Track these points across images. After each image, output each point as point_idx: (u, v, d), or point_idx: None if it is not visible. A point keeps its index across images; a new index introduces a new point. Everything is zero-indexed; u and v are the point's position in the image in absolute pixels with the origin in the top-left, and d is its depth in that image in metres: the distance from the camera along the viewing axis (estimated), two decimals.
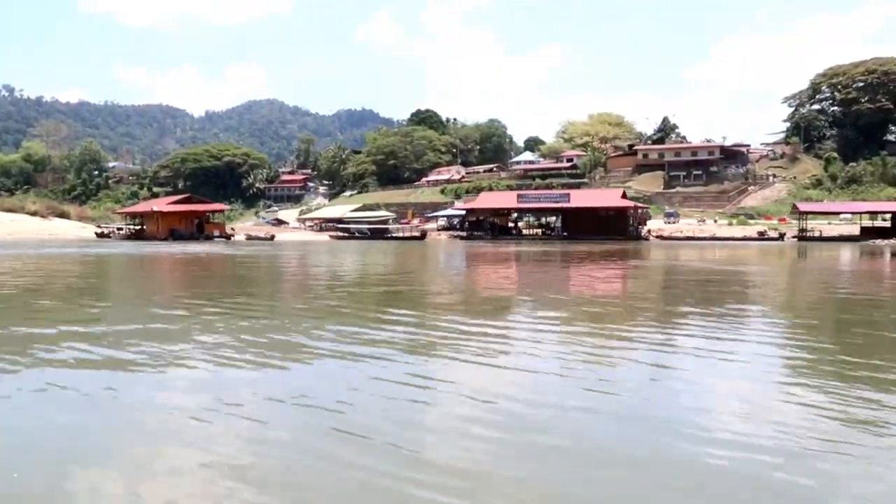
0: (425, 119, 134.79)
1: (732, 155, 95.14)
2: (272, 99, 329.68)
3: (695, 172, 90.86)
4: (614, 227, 54.01)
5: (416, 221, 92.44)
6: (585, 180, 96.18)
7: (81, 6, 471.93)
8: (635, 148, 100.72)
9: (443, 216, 78.55)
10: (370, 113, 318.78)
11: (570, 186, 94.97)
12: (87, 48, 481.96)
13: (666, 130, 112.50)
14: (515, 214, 63.07)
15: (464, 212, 71.91)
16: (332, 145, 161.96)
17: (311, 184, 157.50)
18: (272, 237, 61.67)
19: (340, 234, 65.99)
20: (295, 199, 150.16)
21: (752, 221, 73.67)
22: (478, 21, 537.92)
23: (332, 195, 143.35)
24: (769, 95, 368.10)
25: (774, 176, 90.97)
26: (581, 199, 58.00)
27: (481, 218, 63.75)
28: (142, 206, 71.35)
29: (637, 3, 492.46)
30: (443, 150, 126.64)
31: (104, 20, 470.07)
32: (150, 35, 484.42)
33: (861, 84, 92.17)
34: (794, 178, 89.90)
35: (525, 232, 61.61)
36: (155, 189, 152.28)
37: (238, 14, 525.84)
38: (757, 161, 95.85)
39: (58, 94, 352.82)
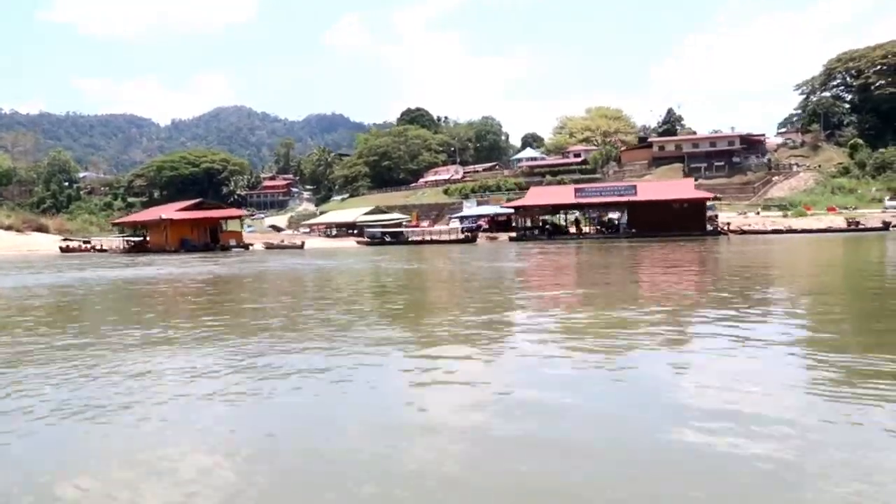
0: (416, 118, 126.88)
1: (753, 144, 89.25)
2: (240, 105, 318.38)
3: (716, 164, 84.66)
4: (689, 222, 46.94)
5: (425, 224, 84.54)
6: (598, 175, 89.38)
7: (41, 16, 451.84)
8: (650, 140, 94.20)
9: (466, 216, 70.78)
10: (340, 117, 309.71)
11: (583, 181, 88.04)
12: (47, 59, 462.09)
13: (672, 122, 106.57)
14: (563, 213, 55.70)
15: (498, 211, 64.35)
16: (314, 149, 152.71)
17: (294, 189, 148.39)
18: (302, 244, 53.16)
19: (369, 239, 57.68)
20: (279, 206, 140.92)
21: (784, 211, 67.65)
22: (445, 24, 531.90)
23: (319, 200, 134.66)
24: (735, 91, 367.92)
25: (798, 165, 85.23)
26: (649, 191, 50.83)
27: (534, 216, 56.20)
28: (145, 214, 61.37)
29: (600, 5, 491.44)
30: (438, 149, 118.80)
31: (65, 30, 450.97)
32: (113, 45, 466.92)
33: (881, 68, 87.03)
34: (819, 166, 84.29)
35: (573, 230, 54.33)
36: (130, 199, 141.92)
37: (203, 23, 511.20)
38: (776, 150, 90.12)
39: (17, 107, 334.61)
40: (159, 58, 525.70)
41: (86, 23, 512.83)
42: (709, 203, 51.12)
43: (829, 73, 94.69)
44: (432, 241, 53.28)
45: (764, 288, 13.47)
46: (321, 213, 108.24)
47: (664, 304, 10.65)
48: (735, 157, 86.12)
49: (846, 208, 67.63)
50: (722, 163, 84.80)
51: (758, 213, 68.73)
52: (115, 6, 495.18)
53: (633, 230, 48.03)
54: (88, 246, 55.47)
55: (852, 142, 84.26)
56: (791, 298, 11.59)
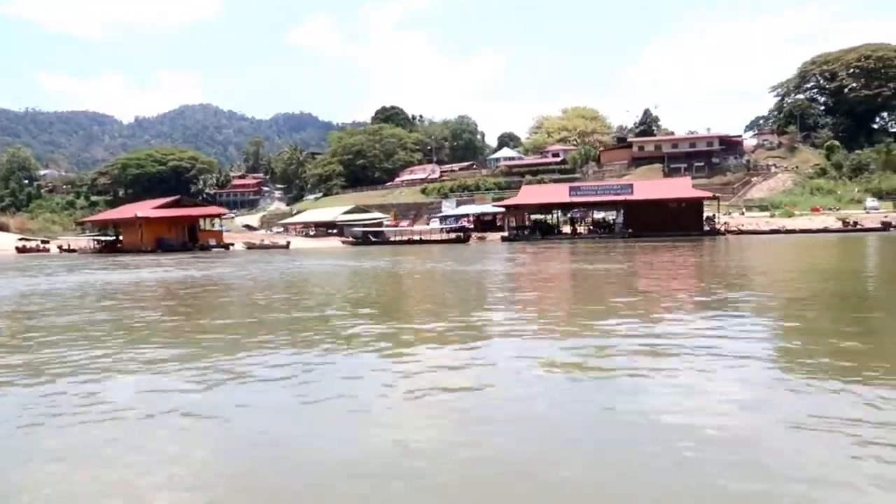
0: (391, 117, 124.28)
1: (731, 145, 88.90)
2: (206, 104, 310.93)
3: (696, 164, 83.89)
4: (687, 222, 45.57)
5: (405, 223, 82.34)
6: (578, 175, 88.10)
7: None
8: (629, 140, 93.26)
9: (449, 216, 68.71)
10: (309, 116, 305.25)
11: (562, 181, 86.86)
12: (5, 54, 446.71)
13: (648, 123, 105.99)
14: (550, 212, 53.93)
15: (484, 210, 62.40)
16: (286, 147, 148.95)
17: (265, 188, 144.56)
18: (287, 244, 50.44)
19: (353, 239, 55.16)
20: (249, 205, 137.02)
21: (770, 211, 67.12)
22: (413, 25, 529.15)
23: (291, 199, 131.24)
24: (702, 93, 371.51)
25: (776, 166, 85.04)
26: (646, 190, 49.30)
27: (521, 217, 54.28)
28: (118, 212, 57.52)
29: (568, 7, 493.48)
30: (413, 148, 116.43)
31: (24, 26, 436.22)
32: (73, 42, 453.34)
33: (855, 71, 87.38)
34: (797, 167, 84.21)
35: (567, 230, 52.56)
36: (93, 198, 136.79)
37: (167, 20, 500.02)
38: (753, 152, 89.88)
39: None
40: (122, 54, 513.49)
41: (45, 18, 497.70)
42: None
43: (803, 76, 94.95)
44: (421, 241, 51.02)
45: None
46: (296, 212, 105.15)
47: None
48: (714, 157, 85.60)
49: (830, 209, 67.34)
50: (702, 163, 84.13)
51: (742, 213, 68.05)
52: (76, 2, 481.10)
53: (630, 230, 46.46)
54: (45, 246, 51.89)
55: (828, 143, 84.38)
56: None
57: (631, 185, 50.46)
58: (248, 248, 49.14)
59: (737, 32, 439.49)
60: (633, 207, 47.92)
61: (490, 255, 30.67)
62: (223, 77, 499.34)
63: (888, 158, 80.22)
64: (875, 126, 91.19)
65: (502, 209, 56.35)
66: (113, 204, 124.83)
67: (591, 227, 52.42)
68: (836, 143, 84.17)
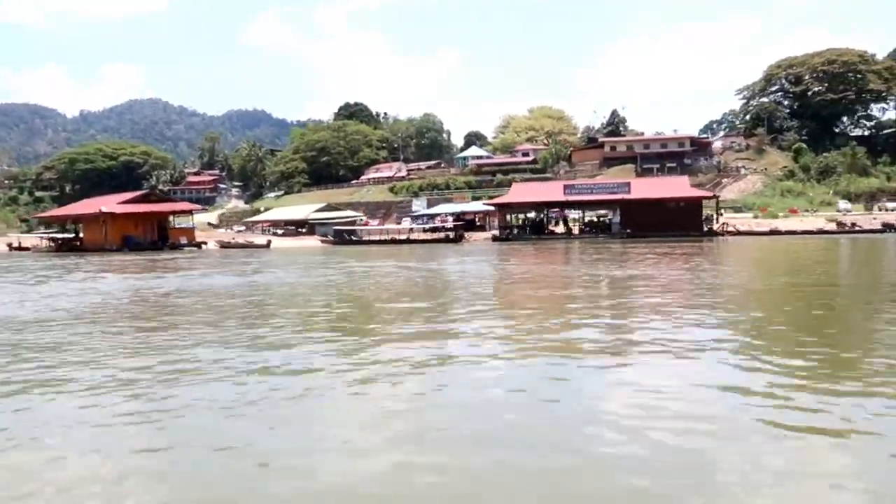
0: (355, 113, 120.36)
1: (702, 146, 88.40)
2: (155, 98, 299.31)
3: (669, 165, 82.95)
4: (686, 222, 43.71)
5: (375, 222, 78.99)
6: (549, 175, 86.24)
7: None
8: (601, 140, 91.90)
9: (423, 215, 65.88)
10: (263, 113, 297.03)
11: (534, 180, 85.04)
12: None
13: (616, 123, 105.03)
14: (546, 210, 51.55)
15: (464, 209, 59.69)
16: (243, 143, 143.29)
17: (222, 185, 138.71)
18: (268, 243, 46.63)
19: (333, 238, 51.63)
20: (206, 202, 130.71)
21: (752, 213, 66.47)
22: (368, 23, 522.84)
23: (250, 197, 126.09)
24: (658, 95, 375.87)
25: (745, 168, 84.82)
26: (643, 188, 47.28)
27: (503, 216, 51.72)
28: (79, 207, 51.59)
29: (523, 9, 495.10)
30: (379, 145, 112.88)
31: None
32: (15, 31, 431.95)
33: (820, 75, 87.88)
34: (766, 169, 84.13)
35: (558, 230, 50.30)
36: (38, 193, 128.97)
37: (113, 11, 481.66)
38: (721, 153, 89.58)
39: None
40: (63, 46, 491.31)
41: None
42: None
43: (768, 79, 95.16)
44: (408, 241, 47.88)
45: None
46: (263, 209, 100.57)
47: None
48: (686, 158, 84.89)
49: (807, 211, 67.02)
50: (674, 164, 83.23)
51: (721, 214, 67.10)
52: None
53: (629, 230, 44.31)
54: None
55: (796, 146, 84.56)
56: None
57: (628, 184, 48.43)
58: (223, 246, 45.26)
59: (692, 36, 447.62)
60: (630, 207, 45.84)
61: (507, 256, 27.91)
62: (173, 71, 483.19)
63: (853, 161, 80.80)
64: (837, 130, 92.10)
65: (489, 208, 53.69)
66: (60, 200, 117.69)
67: (584, 227, 50.19)
68: (804, 145, 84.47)
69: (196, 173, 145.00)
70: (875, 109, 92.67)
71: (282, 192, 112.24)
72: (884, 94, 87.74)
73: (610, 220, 48.59)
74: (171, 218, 47.52)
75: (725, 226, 45.95)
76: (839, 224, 46.82)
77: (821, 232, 45.02)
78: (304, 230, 68.02)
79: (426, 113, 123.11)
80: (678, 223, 43.76)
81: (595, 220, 50.72)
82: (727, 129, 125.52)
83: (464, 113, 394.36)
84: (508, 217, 51.82)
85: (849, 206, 68.95)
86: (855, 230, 44.50)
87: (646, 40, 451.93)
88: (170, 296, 14.25)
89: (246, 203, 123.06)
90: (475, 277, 17.61)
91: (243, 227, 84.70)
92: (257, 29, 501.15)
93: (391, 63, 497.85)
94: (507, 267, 21.33)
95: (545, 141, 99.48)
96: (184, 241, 44.64)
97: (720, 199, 78.83)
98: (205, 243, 46.18)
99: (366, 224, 73.23)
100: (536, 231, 49.41)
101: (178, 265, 26.04)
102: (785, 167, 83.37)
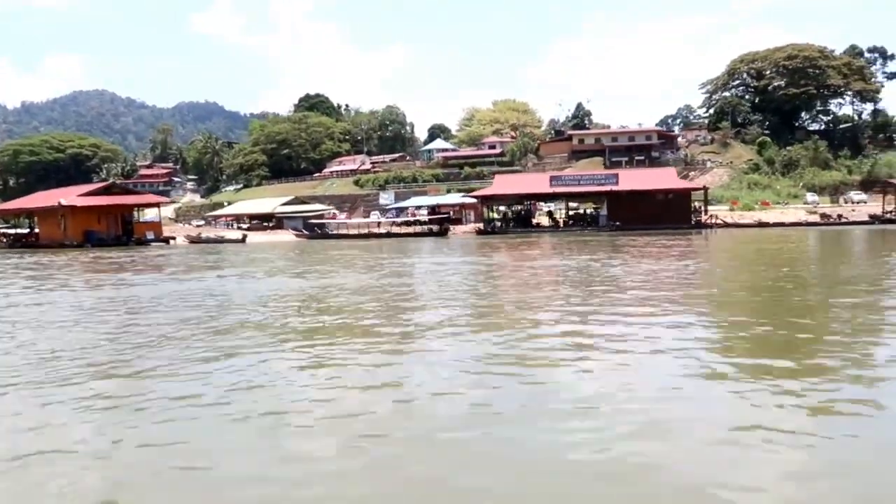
0: (316, 105, 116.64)
1: (668, 139, 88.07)
2: (101, 90, 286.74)
3: (637, 158, 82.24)
4: (675, 214, 42.42)
5: (343, 216, 76.19)
6: (517, 167, 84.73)
7: None
8: (569, 133, 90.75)
9: (394, 208, 63.51)
10: (215, 106, 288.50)
11: (503, 173, 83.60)
12: None
13: (581, 117, 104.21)
14: (530, 203, 49.67)
15: (440, 201, 57.49)
16: (199, 135, 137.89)
17: (176, 179, 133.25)
18: (244, 238, 43.47)
19: (308, 232, 48.79)
20: (160, 196, 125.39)
21: (717, 206, 65.98)
22: (324, 16, 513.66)
23: (207, 190, 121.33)
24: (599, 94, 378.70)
25: (711, 161, 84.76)
26: (632, 180, 45.68)
27: (479, 209, 49.69)
28: (34, 200, 46.29)
29: (475, 4, 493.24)
30: (341, 138, 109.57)
31: None
32: None
33: (782, 69, 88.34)
34: (731, 162, 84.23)
35: (543, 223, 48.45)
36: None
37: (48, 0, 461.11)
38: (687, 147, 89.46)
39: None
40: (4, 35, 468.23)
41: None
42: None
43: (731, 73, 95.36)
44: (389, 235, 45.43)
45: None
46: (216, 203, 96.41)
47: None
48: (654, 151, 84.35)
49: (779, 203, 66.95)
50: (642, 157, 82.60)
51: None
52: None
53: (618, 223, 42.73)
54: None
55: (760, 139, 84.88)
56: None
57: (616, 175, 46.86)
58: (192, 241, 42.03)
59: (648, 33, 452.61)
60: (618, 199, 44.29)
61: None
62: (120, 62, 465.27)
63: (815, 155, 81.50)
64: (797, 124, 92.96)
65: (467, 200, 51.56)
66: (3, 194, 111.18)
67: (567, 220, 48.45)
68: (767, 139, 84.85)
69: (148, 166, 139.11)
70: (832, 104, 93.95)
71: (241, 185, 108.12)
72: (841, 90, 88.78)
73: (597, 212, 46.99)
74: (135, 211, 43.97)
75: (714, 218, 44.85)
76: (823, 216, 46.24)
77: (808, 224, 44.35)
78: (270, 224, 64.79)
79: (389, 105, 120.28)
80: (667, 215, 42.48)
81: (582, 212, 49.09)
82: (682, 125, 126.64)
83: (423, 106, 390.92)
84: (486, 210, 49.75)
85: (816, 198, 69.23)
86: (841, 222, 43.93)
87: (601, 36, 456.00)
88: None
89: (202, 197, 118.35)
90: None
91: (203, 222, 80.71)
92: (209, 18, 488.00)
93: (347, 56, 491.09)
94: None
95: (512, 134, 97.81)
96: (150, 235, 41.22)
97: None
98: (173, 238, 42.84)
99: (333, 217, 70.40)
100: (522, 224, 47.55)
101: (156, 263, 23.22)
102: (750, 160, 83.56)
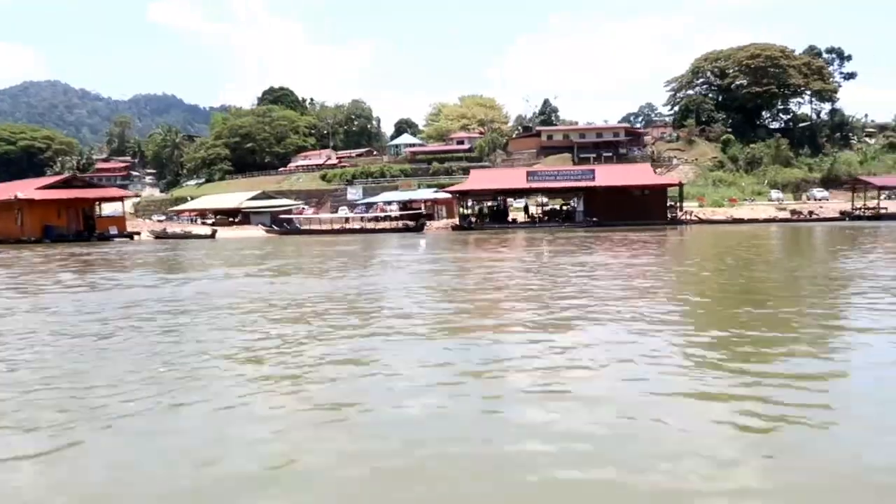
0: (280, 98, 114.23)
1: (635, 136, 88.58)
2: (54, 81, 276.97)
3: (605, 154, 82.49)
4: (651, 210, 42.30)
5: (310, 211, 74.68)
6: (486, 163, 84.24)
7: None
8: (537, 129, 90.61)
9: (362, 203, 62.41)
10: (173, 99, 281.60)
11: (472, 168, 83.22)
12: None
13: (548, 113, 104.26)
14: (500, 198, 48.99)
15: (412, 196, 56.58)
16: (158, 128, 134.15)
17: (134, 173, 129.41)
18: (213, 233, 41.82)
19: (278, 228, 47.36)
20: None
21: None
22: (284, 9, 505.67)
23: (167, 185, 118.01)
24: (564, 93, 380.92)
25: (677, 158, 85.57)
26: (608, 176, 45.39)
27: (451, 205, 48.93)
28: None
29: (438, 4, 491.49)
30: (306, 132, 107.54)
31: None
32: None
33: (745, 68, 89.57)
34: (696, 160, 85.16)
35: (521, 219, 47.87)
36: None
37: None
38: (653, 144, 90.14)
39: None
40: None
41: None
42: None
43: (695, 71, 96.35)
44: (364, 231, 44.35)
45: None
46: (178, 198, 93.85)
47: None
48: (621, 148, 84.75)
49: (746, 200, 67.79)
50: (610, 153, 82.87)
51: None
52: None
53: (595, 218, 42.42)
54: None
55: (724, 137, 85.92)
56: None
57: (593, 171, 46.54)
58: (158, 237, 40.30)
59: (610, 33, 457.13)
60: (595, 194, 43.99)
61: (509, 246, 25.12)
62: (74, 52, 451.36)
63: (777, 153, 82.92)
64: (758, 122, 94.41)
65: (441, 195, 50.75)
66: None
67: (541, 216, 47.98)
68: (731, 136, 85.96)
69: (105, 160, 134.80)
70: (792, 104, 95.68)
71: (203, 179, 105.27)
72: (802, 89, 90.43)
73: (574, 207, 46.61)
74: (97, 206, 41.95)
75: (689, 214, 44.89)
76: (793, 212, 46.71)
77: (781, 220, 44.74)
78: (236, 219, 63.03)
79: (354, 99, 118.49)
80: (643, 211, 42.37)
81: (558, 208, 48.70)
82: (644, 123, 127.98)
83: (389, 101, 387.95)
84: (463, 205, 48.96)
85: (780, 195, 70.36)
86: (812, 218, 44.40)
87: (565, 34, 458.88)
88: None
89: (162, 191, 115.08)
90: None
91: (164, 217, 78.29)
92: (167, 9, 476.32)
93: (310, 51, 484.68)
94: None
95: (480, 130, 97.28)
96: (113, 231, 39.36)
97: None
98: (137, 234, 41.01)
99: (300, 213, 68.87)
100: (498, 219, 46.94)
101: (120, 260, 21.84)
102: (714, 157, 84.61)
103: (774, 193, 70.66)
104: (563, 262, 16.67)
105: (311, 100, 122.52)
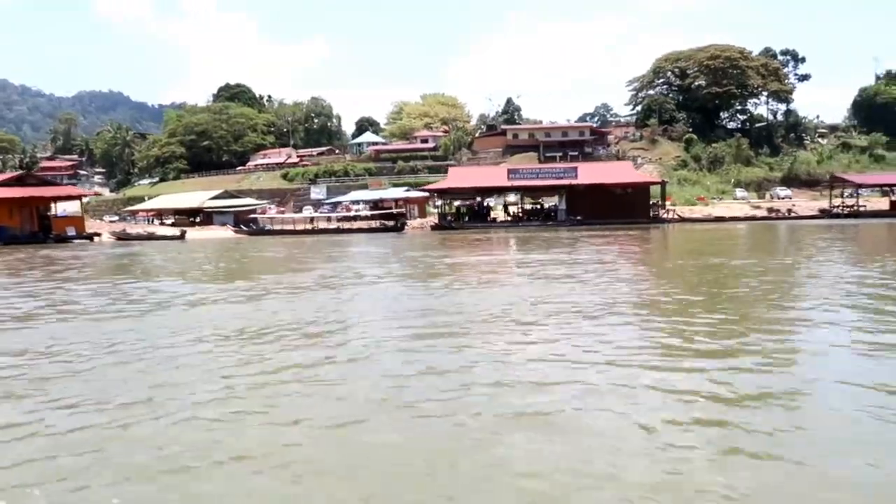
0: (237, 95, 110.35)
1: (600, 135, 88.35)
2: None
3: (571, 153, 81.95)
4: (634, 208, 41.36)
5: (272, 210, 71.94)
6: (451, 161, 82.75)
7: None
8: (503, 128, 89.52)
9: (328, 202, 60.33)
10: (120, 96, 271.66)
11: (437, 168, 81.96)
12: None
13: (511, 112, 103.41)
14: (479, 198, 47.45)
15: (383, 196, 54.68)
16: (106, 126, 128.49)
17: (82, 172, 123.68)
18: (182, 234, 39.02)
19: (246, 228, 44.79)
20: None
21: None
22: (236, 4, 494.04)
23: (117, 184, 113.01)
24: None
25: (641, 158, 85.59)
26: (591, 173, 44.21)
27: (422, 203, 47.21)
28: None
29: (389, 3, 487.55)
30: (265, 130, 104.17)
31: None
32: None
33: (705, 69, 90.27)
34: (660, 159, 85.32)
35: (500, 218, 46.38)
36: None
37: None
38: (617, 143, 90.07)
39: None
40: None
41: None
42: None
43: (656, 72, 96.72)
44: (339, 231, 42.23)
45: None
46: (130, 198, 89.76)
47: None
48: (587, 147, 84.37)
49: (713, 198, 67.96)
50: (576, 152, 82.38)
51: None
52: None
53: (579, 217, 41.24)
54: None
55: (687, 136, 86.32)
56: None
57: (575, 169, 45.41)
58: (119, 238, 37.43)
59: (563, 33, 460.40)
60: (577, 193, 42.82)
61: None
62: (13, 47, 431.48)
63: (738, 152, 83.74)
64: (716, 123, 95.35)
65: (417, 194, 48.92)
66: None
67: (520, 214, 46.60)
68: (694, 136, 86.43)
69: (50, 158, 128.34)
70: (749, 104, 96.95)
71: (156, 179, 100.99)
72: (759, 90, 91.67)
73: (555, 206, 45.32)
74: (52, 206, 38.71)
75: (673, 212, 44.17)
76: (770, 210, 46.53)
77: (761, 218, 44.44)
78: (197, 219, 59.92)
79: (314, 97, 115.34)
80: (626, 210, 41.44)
81: (539, 206, 47.38)
82: (598, 122, 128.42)
83: (349, 99, 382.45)
84: (442, 204, 47.18)
85: (746, 193, 70.86)
86: (791, 216, 44.22)
87: (523, 33, 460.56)
88: None
89: (113, 191, 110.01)
90: None
91: (116, 217, 74.42)
92: (113, 3, 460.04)
93: (264, 48, 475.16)
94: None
95: (444, 128, 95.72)
96: (71, 232, 36.30)
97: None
98: (98, 235, 38.02)
99: (263, 212, 66.15)
100: (479, 218, 45.36)
101: (83, 267, 19.47)
102: (678, 157, 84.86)
103: (740, 192, 71.17)
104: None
105: (269, 97, 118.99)
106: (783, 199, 67.22)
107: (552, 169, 47.79)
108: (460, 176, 48.70)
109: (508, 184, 44.37)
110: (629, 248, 19.95)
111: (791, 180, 77.59)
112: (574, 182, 42.83)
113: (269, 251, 25.27)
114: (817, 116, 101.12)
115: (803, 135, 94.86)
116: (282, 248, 26.96)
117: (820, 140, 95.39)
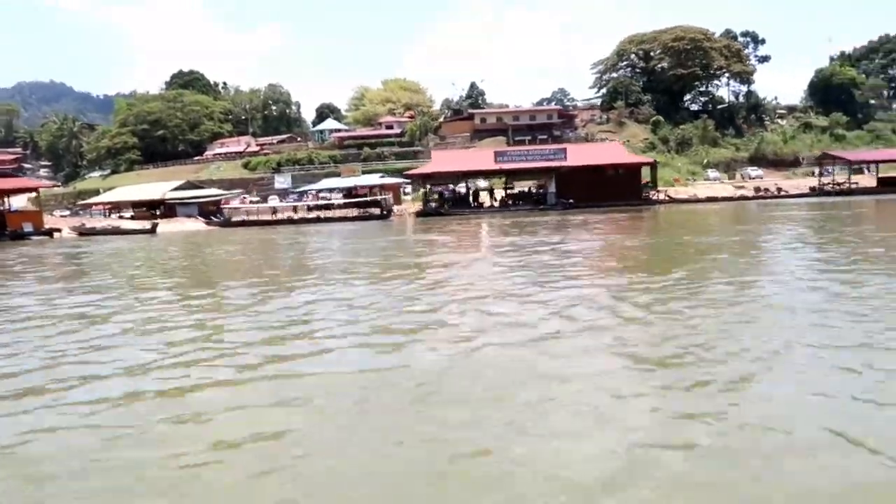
0: (191, 83, 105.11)
1: (568, 118, 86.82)
2: None
3: (540, 136, 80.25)
4: (626, 190, 39.62)
5: (235, 201, 68.24)
6: (419, 147, 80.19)
7: None
8: (471, 112, 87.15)
9: (293, 191, 57.36)
10: (62, 86, 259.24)
11: (405, 154, 79.54)
12: None
13: (475, 97, 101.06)
14: (464, 183, 45.01)
15: (359, 183, 51.85)
16: (51, 116, 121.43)
17: (26, 165, 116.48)
18: (153, 228, 35.55)
19: (218, 220, 41.48)
20: None
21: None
22: None
23: (66, 178, 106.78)
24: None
25: (609, 140, 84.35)
26: (580, 155, 42.18)
27: (397, 190, 44.67)
28: None
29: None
30: (222, 118, 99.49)
31: None
32: None
33: (669, 51, 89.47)
34: (628, 141, 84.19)
35: (486, 203, 44.02)
36: None
37: None
38: (584, 125, 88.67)
39: None
40: None
41: None
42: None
43: (620, 54, 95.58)
44: (319, 220, 39.31)
45: None
46: (82, 192, 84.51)
47: None
48: (555, 130, 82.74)
49: (688, 180, 67.10)
50: (545, 136, 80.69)
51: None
52: None
53: (571, 200, 39.27)
54: None
55: (654, 119, 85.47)
56: None
57: (564, 150, 43.32)
58: (82, 234, 33.87)
59: (516, 19, 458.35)
60: (567, 175, 40.84)
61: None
62: None
63: (705, 134, 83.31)
64: (681, 105, 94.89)
65: (394, 180, 46.25)
66: None
67: (507, 199, 44.37)
68: (661, 118, 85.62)
69: None
70: (711, 86, 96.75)
71: (108, 171, 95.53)
72: (722, 71, 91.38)
73: (545, 190, 43.21)
74: (5, 200, 34.78)
75: (665, 193, 42.63)
76: (757, 189, 45.49)
77: (751, 198, 43.34)
78: (158, 212, 56.00)
79: (271, 83, 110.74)
80: (617, 192, 39.70)
81: (527, 190, 45.17)
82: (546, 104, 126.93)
83: (307, 86, 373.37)
84: (427, 189, 44.54)
85: (717, 174, 70.25)
86: (781, 195, 43.20)
87: (477, 17, 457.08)
88: None
89: (61, 185, 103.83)
90: None
91: (68, 212, 69.59)
92: None
93: (216, 35, 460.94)
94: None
95: (410, 114, 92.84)
96: (28, 228, 32.60)
97: None
98: (58, 230, 34.37)
99: (226, 203, 62.50)
100: (464, 204, 43.01)
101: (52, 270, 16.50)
102: (645, 139, 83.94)
103: (712, 173, 70.55)
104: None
105: (224, 84, 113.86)
106: (754, 178, 66.84)
107: (541, 150, 45.63)
108: (444, 159, 46.11)
109: (496, 167, 42.11)
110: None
111: (758, 160, 77.47)
112: (564, 164, 40.87)
113: (277, 244, 22.48)
114: (775, 98, 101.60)
115: (763, 116, 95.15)
116: (282, 238, 24.19)
117: (779, 121, 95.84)
